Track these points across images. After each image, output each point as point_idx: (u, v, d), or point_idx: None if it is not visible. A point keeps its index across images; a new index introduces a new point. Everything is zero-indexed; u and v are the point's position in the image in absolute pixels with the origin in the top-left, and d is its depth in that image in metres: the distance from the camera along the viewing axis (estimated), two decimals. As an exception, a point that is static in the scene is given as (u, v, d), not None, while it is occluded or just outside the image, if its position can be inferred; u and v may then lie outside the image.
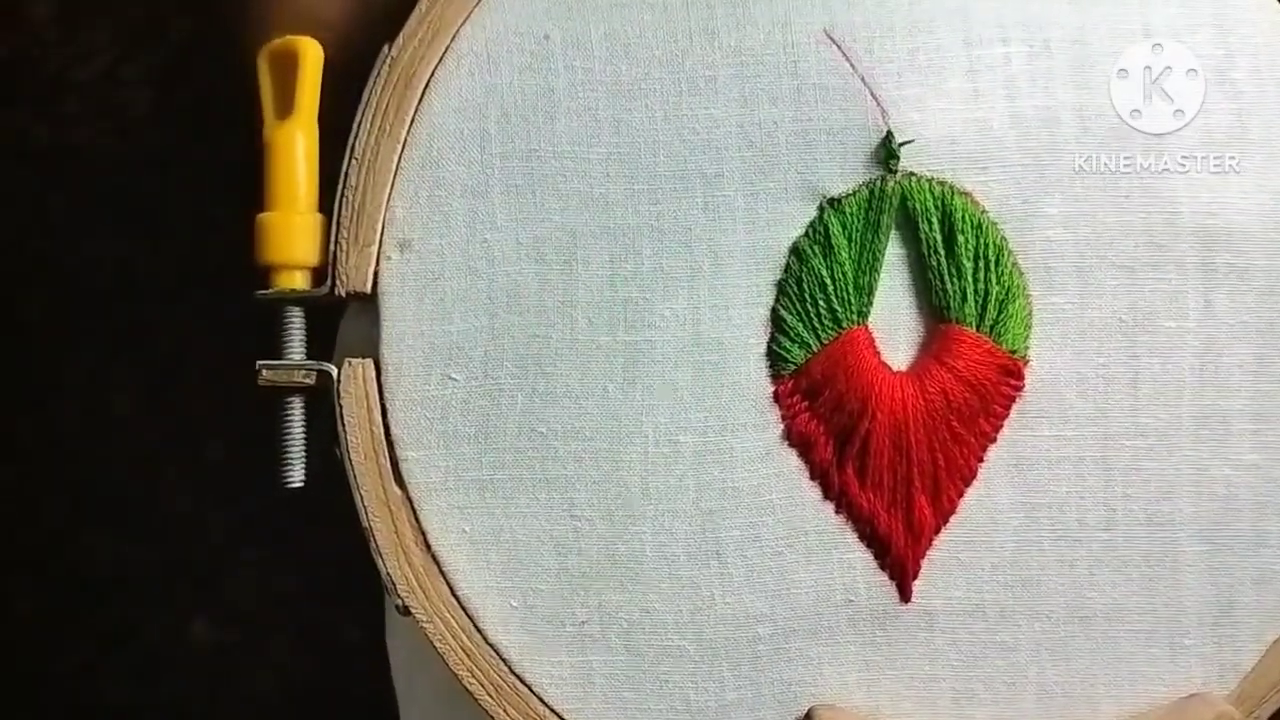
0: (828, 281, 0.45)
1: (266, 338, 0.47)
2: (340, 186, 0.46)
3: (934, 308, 0.46)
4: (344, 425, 0.45)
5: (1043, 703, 0.46)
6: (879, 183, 0.45)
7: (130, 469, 0.70)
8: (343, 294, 0.46)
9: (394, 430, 0.46)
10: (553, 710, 0.46)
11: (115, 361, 0.72)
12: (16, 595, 0.70)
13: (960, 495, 0.46)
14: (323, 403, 0.46)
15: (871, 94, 0.45)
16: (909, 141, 0.45)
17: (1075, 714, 0.46)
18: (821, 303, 0.45)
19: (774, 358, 0.46)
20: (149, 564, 0.69)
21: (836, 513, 0.46)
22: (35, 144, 0.74)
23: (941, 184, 0.45)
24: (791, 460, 0.46)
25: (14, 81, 0.74)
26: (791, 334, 0.45)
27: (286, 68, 0.46)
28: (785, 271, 0.45)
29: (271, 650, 0.68)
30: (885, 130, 0.45)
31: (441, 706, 0.52)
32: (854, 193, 0.45)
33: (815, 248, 0.45)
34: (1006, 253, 0.45)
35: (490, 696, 0.45)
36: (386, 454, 0.45)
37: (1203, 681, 0.47)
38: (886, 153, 0.45)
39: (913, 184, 0.45)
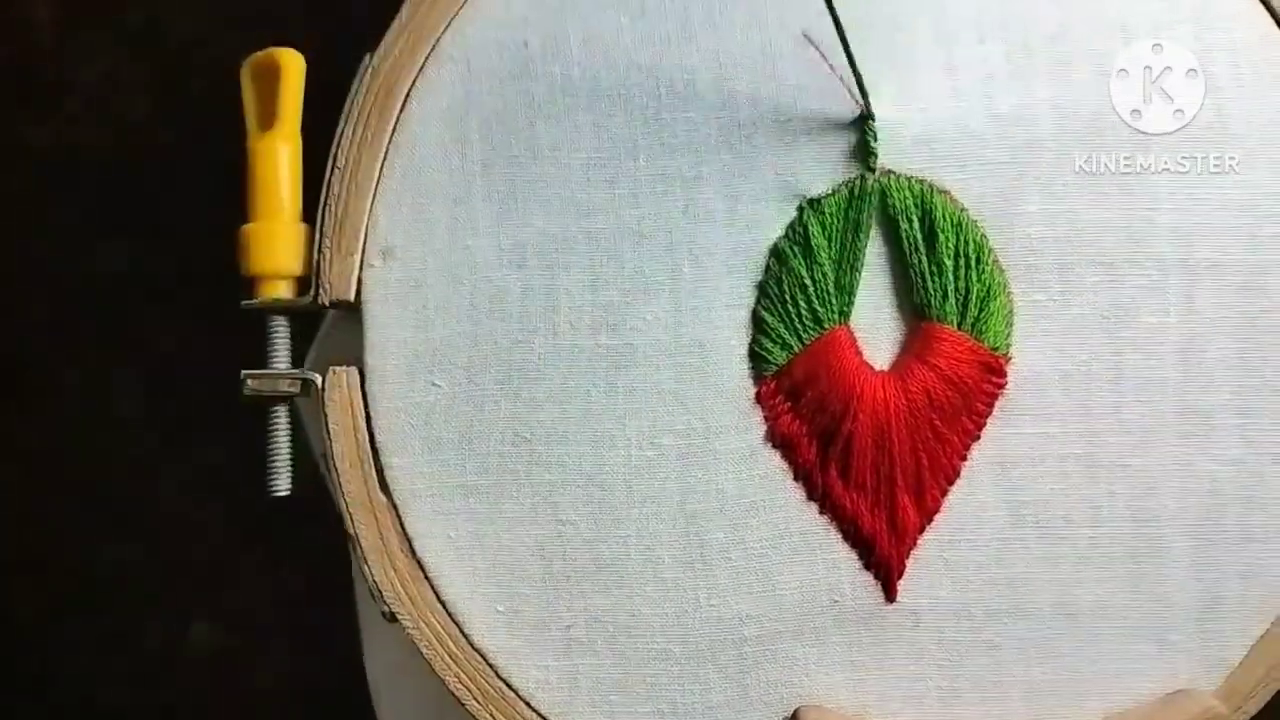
0: (808, 282, 0.45)
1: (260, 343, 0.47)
2: (323, 196, 0.46)
3: (915, 306, 0.46)
4: (329, 432, 0.46)
5: (1030, 700, 0.46)
6: (858, 182, 0.45)
7: (130, 471, 0.70)
8: (326, 302, 0.46)
9: (378, 437, 0.46)
10: (539, 714, 0.46)
11: (115, 363, 0.72)
12: (17, 597, 0.70)
13: (944, 494, 0.46)
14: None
15: (849, 92, 0.45)
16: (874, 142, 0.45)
17: (1062, 711, 0.47)
18: (802, 303, 0.45)
19: (756, 359, 0.46)
20: (149, 566, 0.69)
21: (820, 513, 0.46)
22: (36, 146, 0.74)
23: (921, 183, 0.45)
24: (775, 461, 0.46)
25: (15, 84, 0.75)
26: (773, 335, 0.45)
27: (269, 79, 0.46)
28: (766, 273, 0.46)
29: (271, 653, 0.69)
30: (864, 124, 0.45)
31: (427, 715, 0.52)
32: (833, 193, 0.46)
33: (795, 248, 0.45)
34: (987, 250, 0.45)
35: (477, 702, 0.46)
36: (371, 461, 0.46)
37: (1189, 677, 0.47)
38: (865, 150, 0.45)
39: (892, 183, 0.45)
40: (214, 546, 0.69)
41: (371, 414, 0.46)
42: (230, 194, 0.48)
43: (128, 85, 0.70)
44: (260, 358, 0.47)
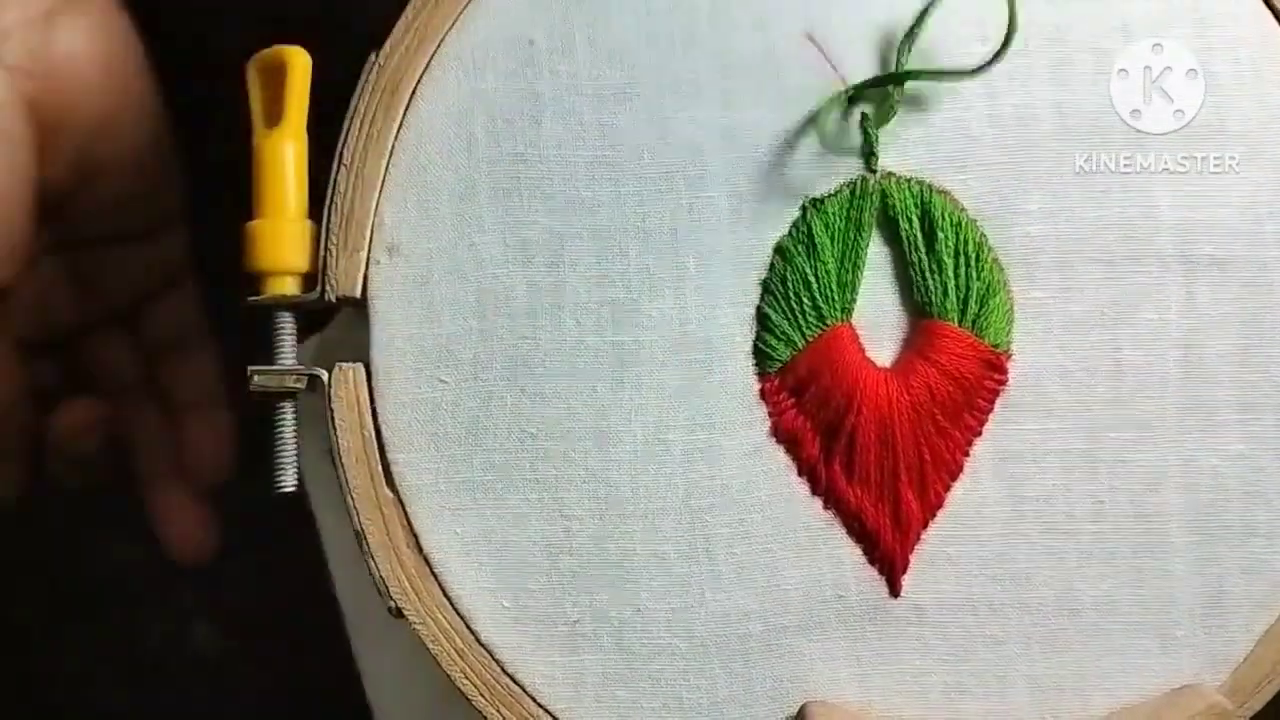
0: (811, 279, 0.45)
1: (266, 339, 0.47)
2: (329, 192, 0.46)
3: (916, 304, 0.46)
4: (335, 429, 0.46)
5: (1034, 696, 0.47)
6: (859, 183, 0.46)
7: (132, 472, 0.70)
8: (333, 299, 0.46)
9: (385, 433, 0.46)
10: (546, 710, 0.46)
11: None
12: (16, 599, 0.70)
13: (947, 489, 0.46)
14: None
15: (851, 94, 0.45)
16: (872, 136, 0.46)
17: (1067, 707, 0.47)
18: (806, 300, 0.45)
19: (760, 355, 0.46)
20: (149, 567, 0.69)
21: (825, 508, 0.46)
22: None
23: (920, 183, 0.46)
24: (779, 457, 0.46)
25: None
26: (777, 332, 0.46)
27: (275, 77, 0.46)
28: (770, 270, 0.46)
29: (273, 654, 0.69)
30: (865, 125, 0.45)
31: (436, 712, 0.52)
32: (835, 193, 0.46)
33: (799, 247, 0.46)
34: (986, 249, 0.46)
35: (483, 697, 0.46)
36: (377, 457, 0.46)
37: (1194, 673, 0.47)
38: (867, 151, 0.45)
39: (892, 184, 0.46)
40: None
41: (378, 410, 0.46)
42: (232, 192, 0.48)
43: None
44: (265, 354, 0.47)
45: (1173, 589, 0.47)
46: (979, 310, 0.45)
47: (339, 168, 0.46)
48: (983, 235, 0.46)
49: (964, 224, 0.46)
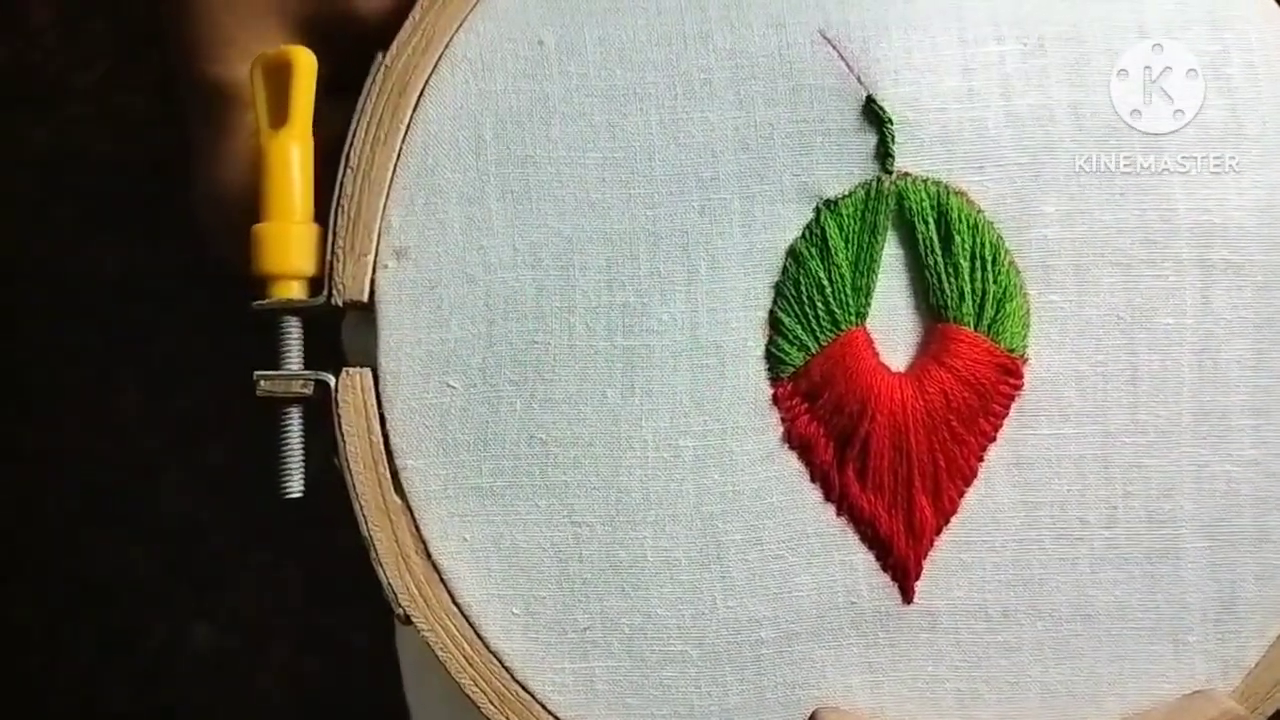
0: (825, 283, 0.45)
1: (268, 341, 0.47)
2: (336, 195, 0.45)
3: (932, 308, 0.46)
4: (343, 434, 0.45)
5: (1047, 701, 0.46)
6: (875, 184, 0.45)
7: (132, 473, 0.70)
8: (340, 303, 0.45)
9: (393, 439, 0.45)
10: (556, 717, 0.46)
11: (117, 365, 0.72)
12: (18, 599, 0.70)
13: (961, 495, 0.46)
14: (322, 411, 0.46)
15: (868, 93, 0.45)
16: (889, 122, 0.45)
17: (1080, 712, 0.46)
18: (819, 305, 0.45)
19: (773, 360, 0.46)
20: (151, 568, 0.69)
21: (838, 514, 0.46)
22: (36, 148, 0.74)
23: (937, 184, 0.45)
24: (792, 462, 0.46)
25: (14, 85, 0.74)
26: (790, 336, 0.45)
27: (280, 78, 0.46)
28: (783, 274, 0.45)
29: (273, 654, 0.69)
30: (881, 125, 0.45)
31: (451, 710, 0.52)
32: (850, 194, 0.45)
33: (812, 250, 0.45)
34: (1003, 252, 0.45)
35: (493, 704, 0.45)
36: (386, 463, 0.45)
37: (1206, 678, 0.47)
38: (883, 151, 0.45)
39: (908, 184, 0.45)
40: (214, 547, 0.69)
41: (386, 416, 0.45)
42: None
43: (128, 85, 0.70)
44: (272, 359, 0.46)
45: (1185, 595, 0.46)
46: (995, 314, 0.45)
47: (346, 170, 0.45)
48: (999, 237, 0.45)
49: (981, 226, 0.45)
